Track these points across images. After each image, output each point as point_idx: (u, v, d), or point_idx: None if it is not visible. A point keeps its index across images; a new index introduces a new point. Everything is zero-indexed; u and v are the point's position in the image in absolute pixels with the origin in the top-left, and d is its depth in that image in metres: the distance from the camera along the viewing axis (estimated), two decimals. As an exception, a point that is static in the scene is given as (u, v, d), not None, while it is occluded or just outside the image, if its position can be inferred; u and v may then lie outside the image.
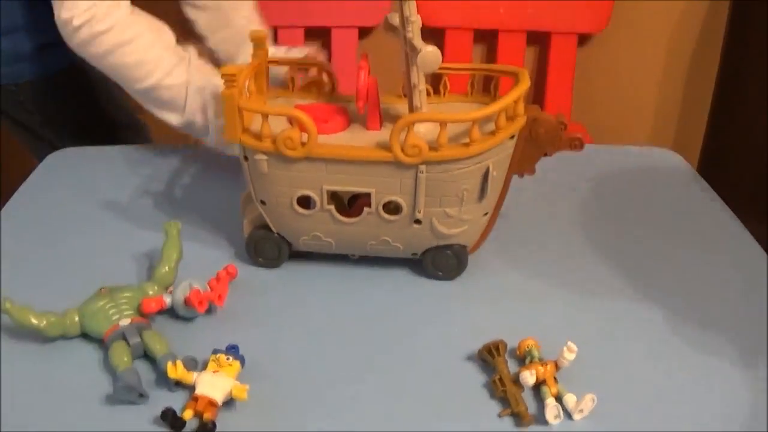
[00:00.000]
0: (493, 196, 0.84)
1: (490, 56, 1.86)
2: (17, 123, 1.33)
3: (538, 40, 1.84)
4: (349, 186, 0.81)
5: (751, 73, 1.79)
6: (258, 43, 0.89)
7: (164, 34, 1.04)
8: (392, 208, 0.82)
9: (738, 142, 1.87)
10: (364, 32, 1.80)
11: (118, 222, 0.99)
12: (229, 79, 0.78)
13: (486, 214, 0.85)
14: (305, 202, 0.83)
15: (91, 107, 1.29)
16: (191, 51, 1.06)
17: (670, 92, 1.97)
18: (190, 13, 1.24)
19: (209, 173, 1.12)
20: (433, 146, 0.77)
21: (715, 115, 1.96)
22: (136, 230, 0.97)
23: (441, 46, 1.76)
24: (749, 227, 0.99)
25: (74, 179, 1.12)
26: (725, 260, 0.92)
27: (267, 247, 0.88)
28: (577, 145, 0.82)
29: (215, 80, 1.01)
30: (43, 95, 1.14)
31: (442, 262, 0.86)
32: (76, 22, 0.98)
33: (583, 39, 1.86)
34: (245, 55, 1.01)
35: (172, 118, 1.04)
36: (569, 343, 0.71)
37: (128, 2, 1.02)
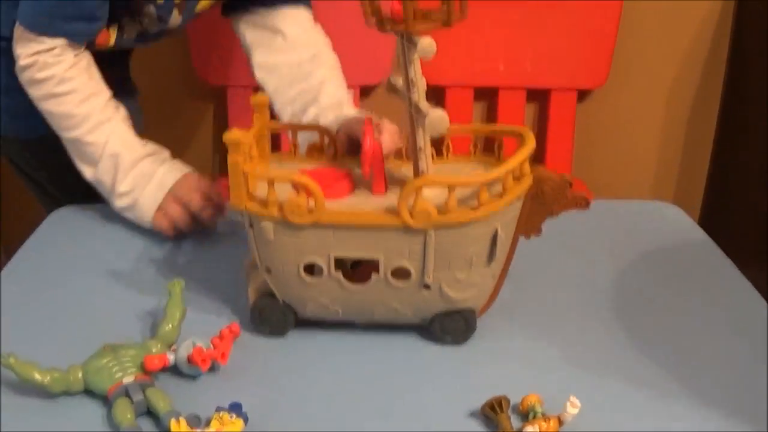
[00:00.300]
0: (501, 259, 0.83)
1: (491, 113, 1.88)
2: (29, 177, 1.35)
3: (538, 96, 1.87)
4: (357, 252, 0.80)
5: (750, 124, 1.81)
6: (259, 107, 0.90)
7: (98, 94, 1.10)
8: (401, 273, 0.81)
9: (738, 193, 1.88)
10: (365, 90, 1.82)
11: (122, 280, 1.00)
12: (234, 145, 0.78)
13: (494, 277, 0.84)
14: (312, 269, 0.82)
15: None
16: (120, 114, 1.12)
17: (670, 145, 1.98)
18: (258, 75, 1.26)
19: (213, 232, 1.13)
20: (442, 210, 0.76)
21: (715, 168, 1.97)
22: (139, 288, 0.97)
23: (441, 104, 1.80)
24: (750, 275, 1.00)
25: (78, 236, 1.12)
26: (727, 311, 0.93)
27: (273, 316, 0.87)
28: (582, 204, 0.82)
29: (129, 154, 1.09)
30: (50, 152, 1.16)
31: (450, 326, 0.85)
32: (20, 62, 1.06)
33: (582, 95, 1.88)
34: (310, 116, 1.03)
35: (87, 172, 1.11)
36: (572, 398, 0.71)
37: (72, 56, 1.07)
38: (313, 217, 0.77)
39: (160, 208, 1.08)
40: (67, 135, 1.10)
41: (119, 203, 1.10)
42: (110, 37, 1.17)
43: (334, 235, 0.79)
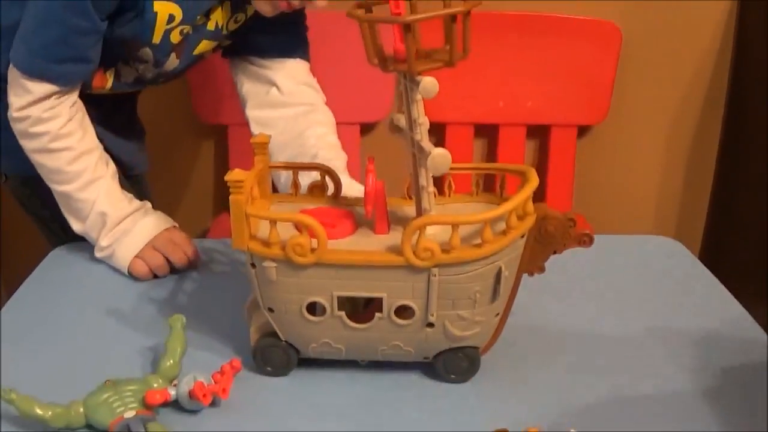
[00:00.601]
0: (505, 297, 0.83)
1: (491, 150, 1.88)
2: (34, 215, 1.35)
3: (538, 132, 1.87)
4: (360, 291, 0.80)
5: (751, 160, 1.82)
6: (260, 148, 0.90)
7: (91, 151, 1.12)
8: (404, 312, 0.80)
9: (739, 229, 1.88)
10: (366, 128, 1.83)
11: (124, 316, 1.00)
12: (236, 185, 0.78)
13: (498, 314, 0.84)
14: (314, 308, 0.82)
15: None
16: (110, 170, 1.14)
17: (670, 180, 1.99)
18: (253, 129, 1.27)
19: (215, 266, 1.13)
20: (446, 248, 0.76)
21: (716, 202, 1.98)
22: (141, 324, 0.98)
23: (442, 141, 1.81)
24: (752, 310, 1.00)
25: (80, 273, 1.13)
26: (729, 345, 0.93)
27: (275, 356, 0.86)
28: (586, 241, 0.82)
29: (115, 212, 1.11)
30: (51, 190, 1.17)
31: (454, 365, 0.85)
32: (14, 114, 1.07)
33: (582, 130, 1.89)
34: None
35: (75, 225, 1.14)
36: (572, 431, 0.71)
37: (67, 109, 1.09)
38: (315, 257, 0.77)
39: (137, 256, 1.11)
40: (57, 188, 1.12)
41: (99, 254, 1.13)
42: (107, 81, 1.18)
43: (337, 275, 0.78)
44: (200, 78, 1.76)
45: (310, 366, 0.88)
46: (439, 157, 0.75)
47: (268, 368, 0.87)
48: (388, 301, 0.79)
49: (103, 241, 1.12)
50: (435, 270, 0.77)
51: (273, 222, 0.78)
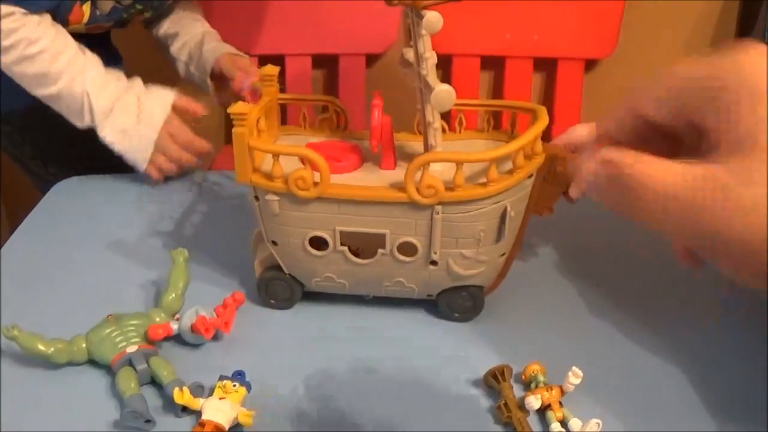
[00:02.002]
0: (511, 237, 0.81)
1: (497, 83, 1.87)
2: (13, 156, 1.35)
3: (545, 66, 1.85)
4: (362, 227, 0.79)
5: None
6: (268, 79, 0.88)
7: (67, 47, 1.12)
8: (407, 249, 0.80)
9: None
10: (371, 59, 1.82)
11: (126, 250, 1.00)
12: (239, 118, 0.76)
13: (503, 255, 0.83)
14: (318, 242, 0.81)
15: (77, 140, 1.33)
16: (91, 58, 1.15)
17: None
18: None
19: (217, 202, 1.13)
20: (450, 186, 0.75)
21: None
22: (143, 258, 0.98)
23: (448, 73, 1.79)
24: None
25: (81, 208, 1.12)
26: (734, 303, 0.91)
27: (279, 288, 0.87)
28: None
29: (106, 98, 1.13)
30: (30, 126, 1.16)
31: (457, 303, 0.84)
32: None
33: (590, 64, 1.87)
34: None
35: (77, 122, 1.15)
36: (574, 368, 0.71)
37: (37, 19, 1.09)
38: (318, 191, 0.76)
39: (150, 161, 1.15)
40: (45, 92, 1.12)
41: (108, 138, 1.15)
42: (83, 15, 1.17)
43: (340, 209, 0.78)
44: (205, 10, 1.74)
45: (314, 300, 0.88)
46: (444, 92, 0.74)
47: (272, 301, 0.87)
48: (391, 237, 0.79)
49: (104, 131, 1.14)
50: (438, 208, 0.76)
51: (276, 155, 0.77)
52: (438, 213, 0.76)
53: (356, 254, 0.81)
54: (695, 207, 0.36)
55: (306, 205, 0.78)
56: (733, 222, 0.34)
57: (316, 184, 0.76)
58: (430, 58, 0.76)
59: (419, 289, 0.84)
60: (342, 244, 0.80)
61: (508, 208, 0.77)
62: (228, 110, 0.76)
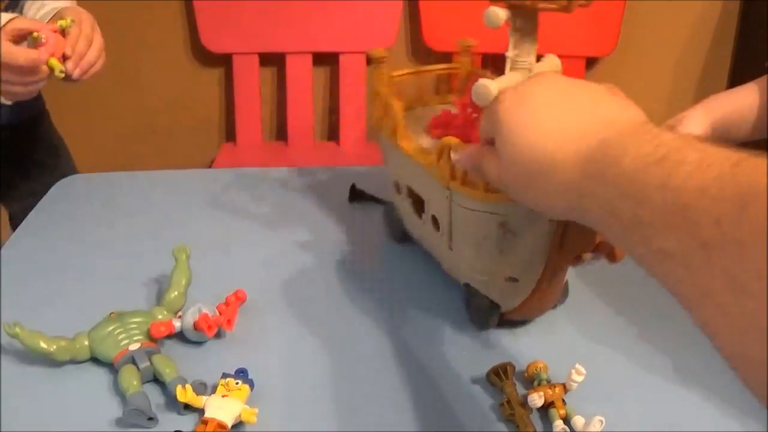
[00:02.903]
0: (521, 264, 0.75)
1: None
2: None
3: (546, 64, 1.85)
4: (415, 187, 0.85)
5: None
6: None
7: None
8: (435, 223, 0.83)
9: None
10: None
11: (127, 248, 1.00)
12: (378, 60, 0.92)
13: (511, 279, 0.77)
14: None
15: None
16: None
17: (678, 113, 1.97)
18: None
19: (219, 198, 1.13)
20: (454, 175, 0.74)
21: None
22: (145, 255, 0.97)
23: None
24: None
25: (83, 206, 1.13)
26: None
27: (394, 222, 0.98)
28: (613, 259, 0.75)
29: None
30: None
31: (475, 303, 0.82)
32: None
33: (591, 62, 1.87)
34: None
35: None
36: (577, 365, 0.71)
37: None
38: (394, 141, 0.85)
39: None
40: None
41: None
42: None
43: (405, 164, 0.85)
44: (208, 9, 1.74)
45: (318, 298, 0.88)
46: (481, 87, 0.65)
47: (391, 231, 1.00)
48: (427, 206, 0.83)
49: None
50: (449, 193, 0.76)
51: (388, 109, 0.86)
52: (448, 198, 0.77)
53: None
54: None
55: (397, 154, 0.86)
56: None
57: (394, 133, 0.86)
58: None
59: (446, 267, 0.87)
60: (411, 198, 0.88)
61: (508, 225, 0.73)
62: (367, 53, 0.80)
